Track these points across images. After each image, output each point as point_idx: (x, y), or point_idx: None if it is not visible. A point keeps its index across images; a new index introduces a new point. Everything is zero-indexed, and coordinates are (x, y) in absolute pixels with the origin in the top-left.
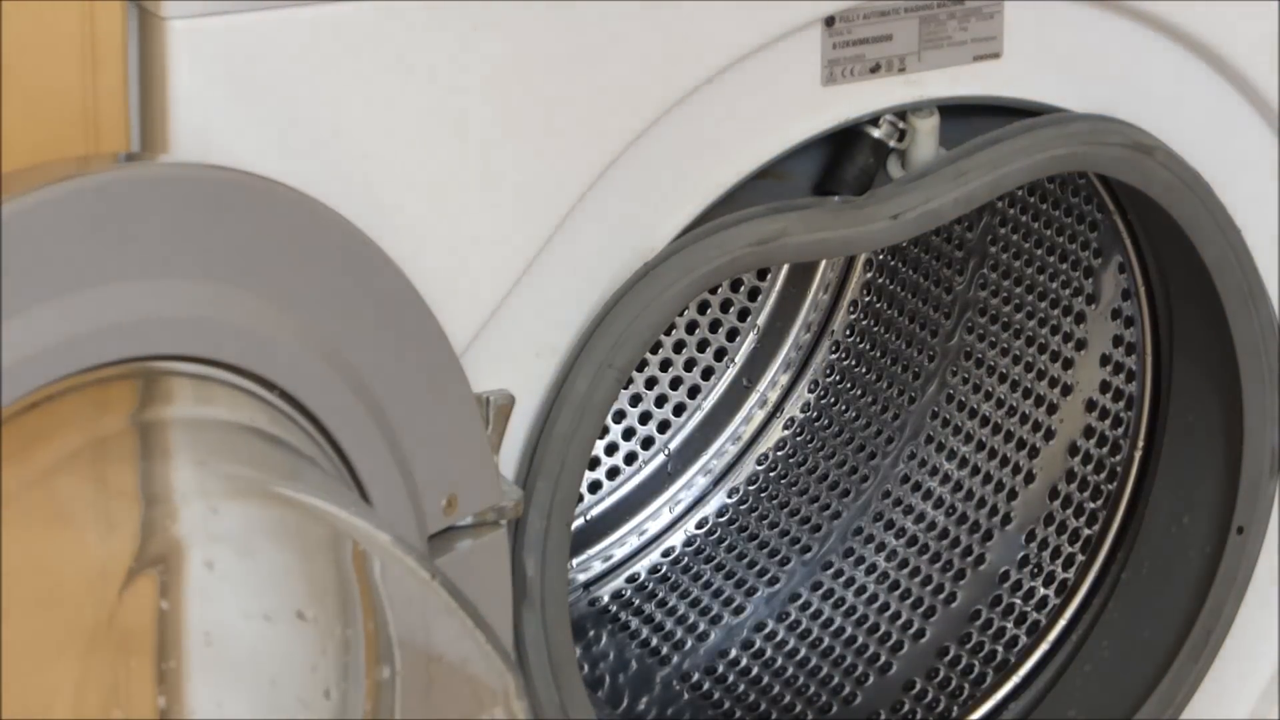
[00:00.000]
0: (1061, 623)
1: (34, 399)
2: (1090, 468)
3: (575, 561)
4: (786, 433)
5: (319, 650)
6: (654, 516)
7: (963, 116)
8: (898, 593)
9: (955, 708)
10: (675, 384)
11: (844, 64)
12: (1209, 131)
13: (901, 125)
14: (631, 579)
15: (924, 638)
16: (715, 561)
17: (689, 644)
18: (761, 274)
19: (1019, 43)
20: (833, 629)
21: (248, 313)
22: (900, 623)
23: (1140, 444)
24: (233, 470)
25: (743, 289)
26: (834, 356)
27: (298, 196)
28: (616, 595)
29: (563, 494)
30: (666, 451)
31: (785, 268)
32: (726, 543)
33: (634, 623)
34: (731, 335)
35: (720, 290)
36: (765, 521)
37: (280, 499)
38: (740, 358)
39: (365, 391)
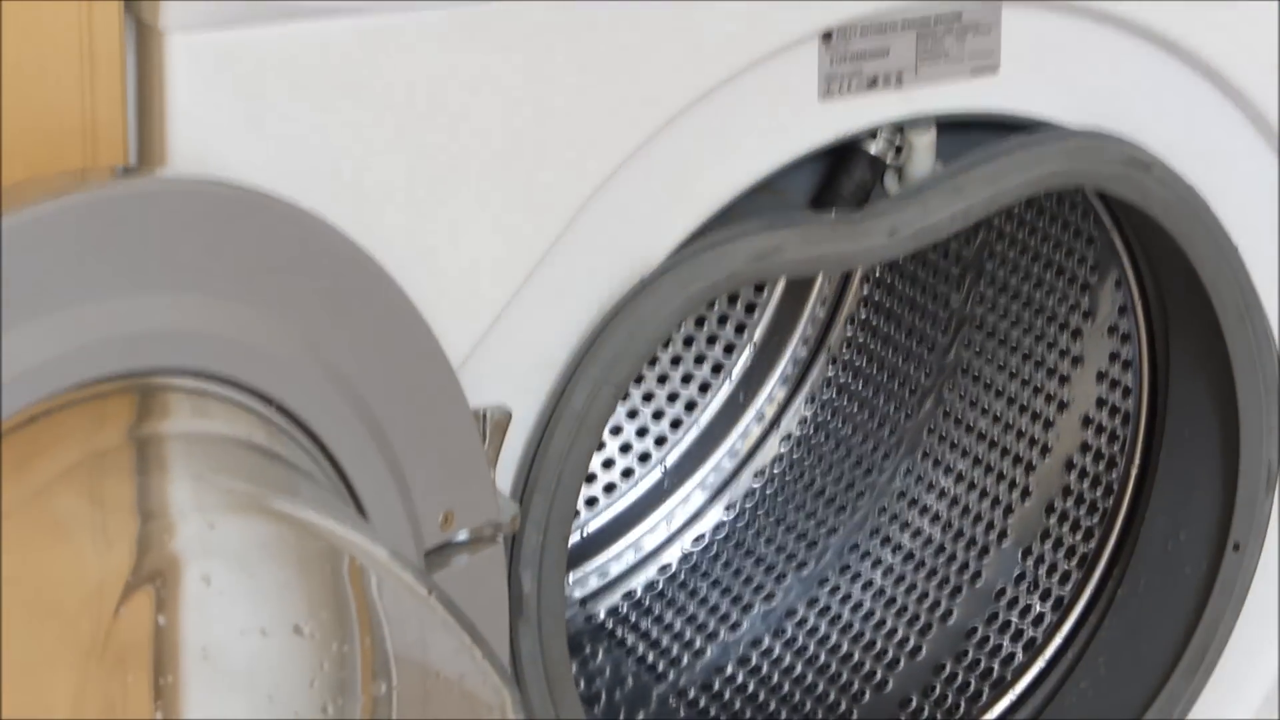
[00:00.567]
0: (1058, 639)
1: (31, 413)
2: (1086, 484)
3: (571, 577)
4: (783, 448)
5: (316, 665)
6: (650, 532)
7: (960, 131)
8: (894, 609)
9: None
10: (672, 398)
11: (841, 78)
12: (1206, 148)
13: (898, 140)
14: (628, 595)
15: (920, 654)
16: (712, 578)
17: (685, 660)
18: (759, 288)
19: (1016, 57)
20: (829, 646)
21: (245, 327)
22: (897, 639)
23: (1137, 460)
24: (230, 485)
25: (739, 303)
26: (831, 372)
27: (295, 211)
28: (613, 611)
29: (559, 509)
30: (663, 467)
31: (782, 282)
32: (723, 559)
33: (630, 639)
34: (728, 350)
35: (717, 305)
36: (762, 538)
37: (277, 514)
38: (737, 373)
39: (362, 406)
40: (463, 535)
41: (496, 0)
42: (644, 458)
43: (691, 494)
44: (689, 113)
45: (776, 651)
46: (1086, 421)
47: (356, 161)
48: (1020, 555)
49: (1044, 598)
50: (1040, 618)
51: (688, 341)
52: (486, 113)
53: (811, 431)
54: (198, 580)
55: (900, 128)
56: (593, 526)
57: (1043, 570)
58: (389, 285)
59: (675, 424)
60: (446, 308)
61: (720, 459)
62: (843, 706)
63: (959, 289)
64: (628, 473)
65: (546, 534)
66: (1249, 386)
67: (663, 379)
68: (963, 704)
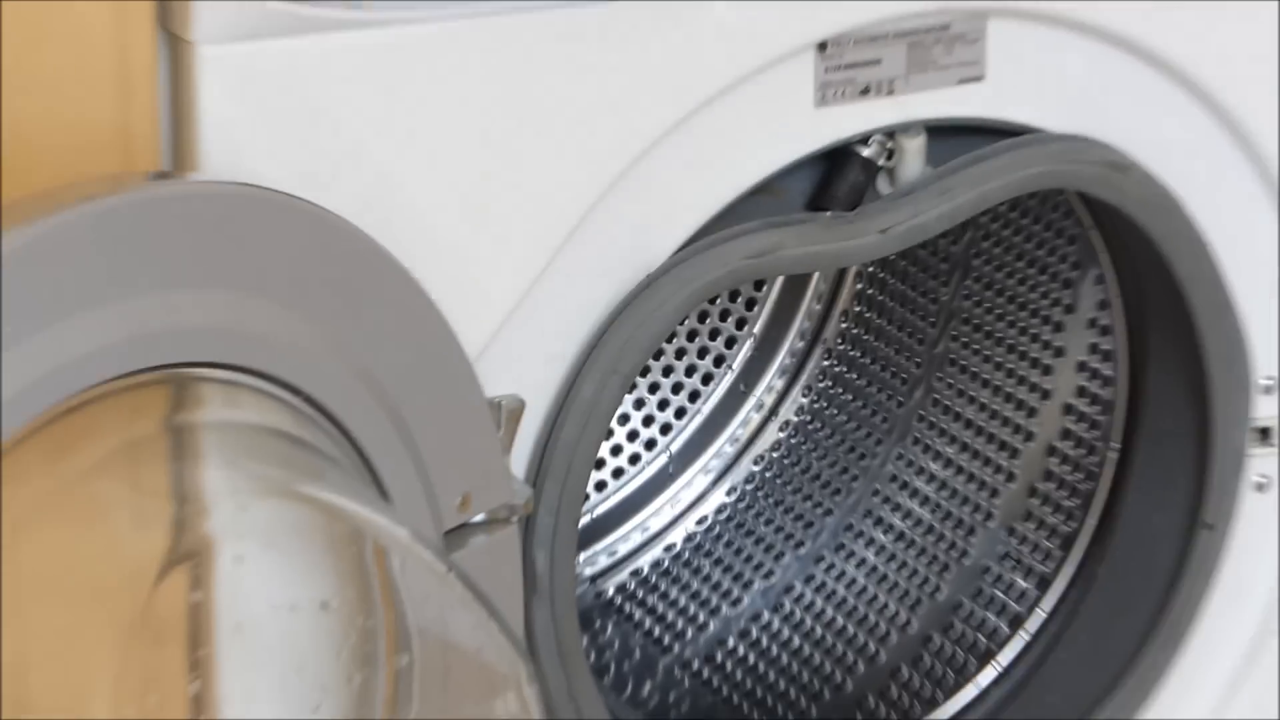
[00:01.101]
0: (1040, 614)
1: (72, 404)
2: (1068, 468)
3: (582, 556)
4: (782, 435)
5: (342, 639)
6: (656, 514)
7: (948, 136)
8: (886, 585)
9: (940, 694)
10: (676, 389)
11: (836, 86)
12: (1181, 151)
13: (890, 144)
14: (635, 572)
15: (910, 628)
16: (714, 556)
17: (689, 633)
18: (758, 285)
19: (1001, 66)
20: (824, 619)
21: (272, 322)
22: (888, 614)
23: (1115, 445)
24: (260, 470)
25: (740, 299)
26: (826, 363)
27: (321, 212)
28: (621, 588)
29: (570, 493)
30: (668, 452)
31: (780, 279)
32: (725, 539)
33: (637, 614)
34: (730, 343)
35: (719, 300)
36: (761, 519)
37: (305, 498)
38: (738, 364)
39: (384, 396)
40: (480, 517)
41: (512, 12)
42: (650, 444)
43: (695, 478)
44: (692, 118)
45: (775, 625)
46: (1068, 409)
47: (378, 166)
48: (1005, 534)
49: (1027, 575)
50: (1024, 594)
51: (691, 335)
52: (498, 120)
53: (808, 419)
54: (231, 560)
55: (892, 133)
56: (602, 509)
57: (1026, 549)
58: (408, 282)
59: (680, 413)
60: (463, 304)
61: (722, 445)
62: (838, 677)
63: (947, 284)
64: (635, 459)
65: (558, 516)
66: (1221, 377)
67: (668, 370)
68: (951, 674)
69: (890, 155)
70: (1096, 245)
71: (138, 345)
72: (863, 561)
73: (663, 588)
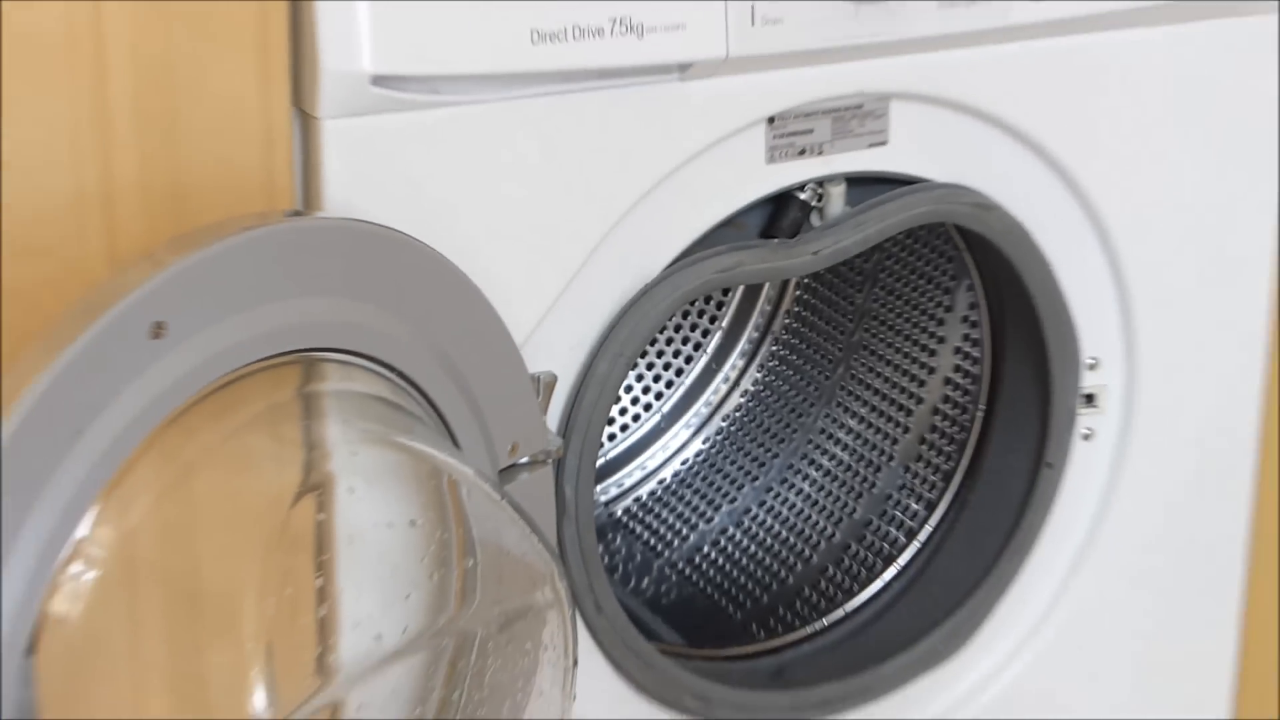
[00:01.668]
0: (928, 529)
1: (231, 377)
2: (947, 423)
3: (599, 487)
4: (741, 400)
5: (425, 547)
6: (652, 457)
7: (861, 184)
8: (816, 508)
9: (856, 586)
10: (666, 367)
11: (780, 149)
12: (1029, 196)
13: (820, 190)
14: (637, 499)
15: (834, 538)
16: (693, 488)
17: (675, 543)
18: (725, 291)
19: (899, 134)
20: (773, 533)
21: (375, 318)
22: (818, 528)
23: (982, 407)
24: (366, 426)
25: (712, 302)
26: (774, 348)
27: (409, 239)
28: (627, 510)
29: (589, 442)
30: (660, 413)
31: (741, 287)
32: (701, 475)
33: (638, 529)
34: (705, 334)
35: (697, 303)
36: (727, 460)
37: (399, 445)
38: (710, 349)
39: (455, 372)
40: (524, 459)
41: (544, 95)
42: (647, 407)
43: (679, 431)
44: (677, 171)
45: (737, 537)
46: (947, 381)
47: (450, 206)
48: (902, 471)
49: (918, 501)
50: (915, 514)
51: (677, 328)
52: (535, 173)
53: (761, 389)
54: (345, 490)
55: (821, 182)
56: (613, 453)
57: (917, 482)
58: (473, 290)
59: (669, 384)
60: (511, 306)
61: (699, 408)
62: (782, 574)
63: (860, 291)
64: (636, 418)
65: (581, 459)
66: (1057, 357)
67: (660, 354)
68: (863, 572)
69: (820, 198)
70: (968, 263)
71: (278, 335)
72: (800, 490)
73: (656, 510)
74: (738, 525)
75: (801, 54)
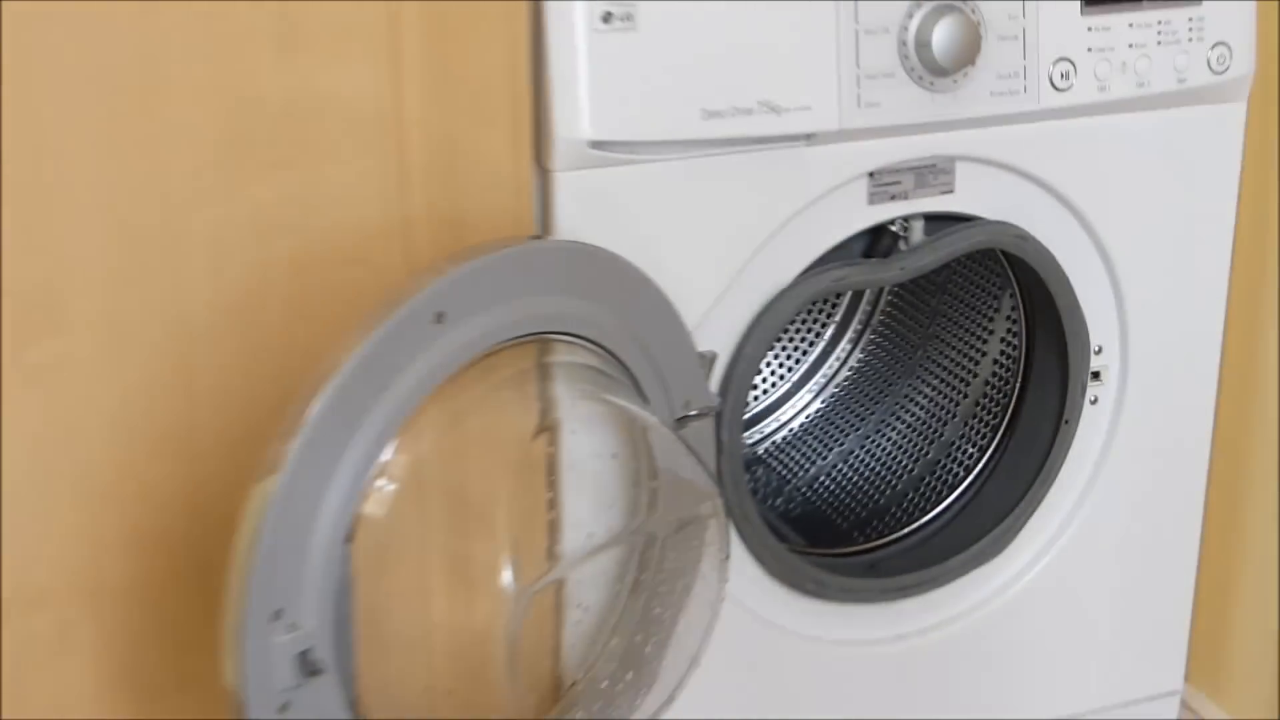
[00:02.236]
0: (979, 467)
1: (490, 351)
2: (994, 391)
3: (745, 434)
4: (848, 373)
5: (623, 472)
6: (784, 412)
7: (934, 220)
8: (900, 450)
9: (927, 506)
10: (795, 349)
11: (877, 194)
12: (1055, 231)
13: (905, 224)
14: (773, 442)
15: (913, 472)
16: (813, 434)
17: (800, 474)
18: (838, 295)
19: (963, 185)
20: (869, 467)
21: (590, 310)
22: (901, 464)
23: (1019, 380)
24: (584, 387)
25: (829, 303)
26: (872, 337)
27: (616, 256)
28: (766, 450)
29: (739, 400)
30: (790, 381)
31: (849, 293)
32: (819, 425)
33: (774, 463)
34: (824, 325)
35: (818, 303)
36: (838, 415)
37: (606, 401)
38: (827, 336)
39: (645, 349)
40: (693, 412)
41: (713, 156)
42: (781, 377)
43: (804, 395)
44: (806, 209)
45: (844, 470)
46: (995, 362)
47: (644, 232)
48: (961, 425)
49: (973, 446)
50: (970, 456)
51: (804, 321)
52: (702, 212)
53: (862, 365)
54: (569, 431)
55: (906, 218)
56: (756, 409)
57: (972, 433)
58: (658, 291)
59: (797, 361)
60: (687, 302)
61: (818, 378)
62: (875, 496)
63: (934, 297)
64: (773, 384)
65: (733, 413)
66: (1072, 345)
67: (791, 339)
68: (932, 496)
69: (905, 230)
70: (1010, 278)
71: (522, 323)
72: (889, 438)
73: (787, 450)
74: (844, 462)
75: (892, 127)
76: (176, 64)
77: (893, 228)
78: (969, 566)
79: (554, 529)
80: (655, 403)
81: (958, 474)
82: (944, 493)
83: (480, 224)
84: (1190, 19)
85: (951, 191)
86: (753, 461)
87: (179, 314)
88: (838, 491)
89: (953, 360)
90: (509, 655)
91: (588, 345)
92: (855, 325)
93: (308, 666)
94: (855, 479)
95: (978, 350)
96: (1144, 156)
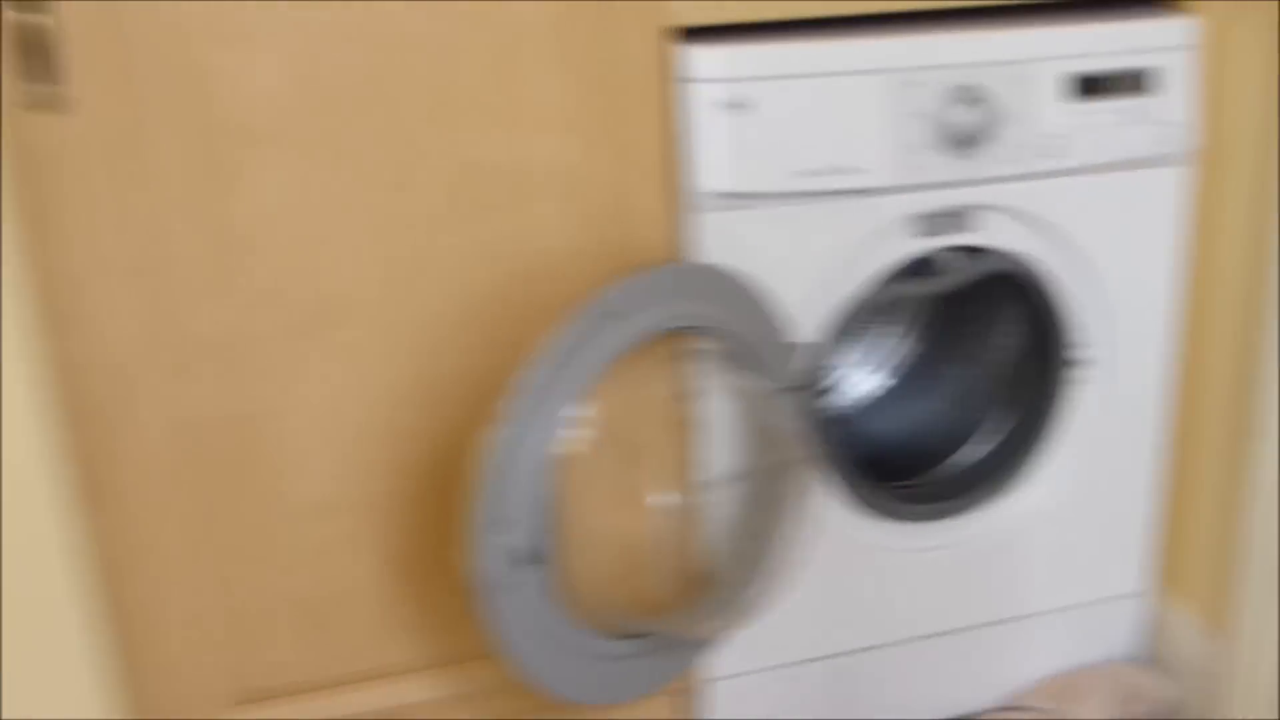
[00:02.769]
0: (995, 428)
1: (648, 339)
2: (1006, 372)
3: (827, 401)
4: (905, 359)
5: (742, 427)
6: (856, 386)
7: (965, 250)
8: (945, 414)
9: (959, 455)
10: (863, 340)
11: (922, 232)
12: (1055, 257)
13: (943, 254)
14: (850, 407)
15: (955, 429)
16: (880, 403)
17: (866, 435)
18: (894, 303)
19: (986, 225)
20: (923, 426)
21: (716, 309)
22: (946, 423)
23: (1023, 364)
24: (712, 366)
25: (888, 308)
26: (923, 332)
27: (739, 274)
28: (845, 413)
29: (820, 377)
30: (861, 365)
31: (903, 301)
32: (884, 397)
33: (850, 423)
34: (886, 324)
35: (881, 309)
36: (898, 389)
37: (728, 376)
38: (886, 331)
39: (757, 339)
40: (790, 385)
41: (808, 203)
42: (852, 361)
43: (871, 374)
44: (868, 242)
45: (904, 428)
46: (1006, 351)
47: (762, 259)
48: (983, 397)
49: (991, 412)
50: (990, 419)
51: (871, 322)
52: (798, 243)
53: (917, 353)
54: (702, 397)
55: (943, 249)
56: (835, 383)
57: (991, 402)
58: (767, 299)
59: (864, 349)
60: (787, 307)
61: (882, 361)
62: (922, 447)
63: (968, 305)
64: (849, 366)
65: (817, 386)
66: (1062, 340)
67: (860, 334)
68: (963, 447)
69: (941, 257)
70: (1023, 292)
71: (671, 319)
72: (937, 406)
73: (860, 415)
74: (899, 422)
75: (931, 184)
76: (422, 135)
77: (931, 257)
78: (991, 498)
79: (691, 465)
80: (762, 378)
81: (982, 434)
82: (970, 445)
83: (640, 251)
84: (1148, 107)
85: (974, 230)
86: (835, 421)
87: (428, 312)
88: (897, 444)
89: (983, 350)
90: (661, 556)
91: (715, 336)
92: (910, 325)
93: (521, 558)
94: (911, 434)
95: (993, 344)
96: (1113, 203)
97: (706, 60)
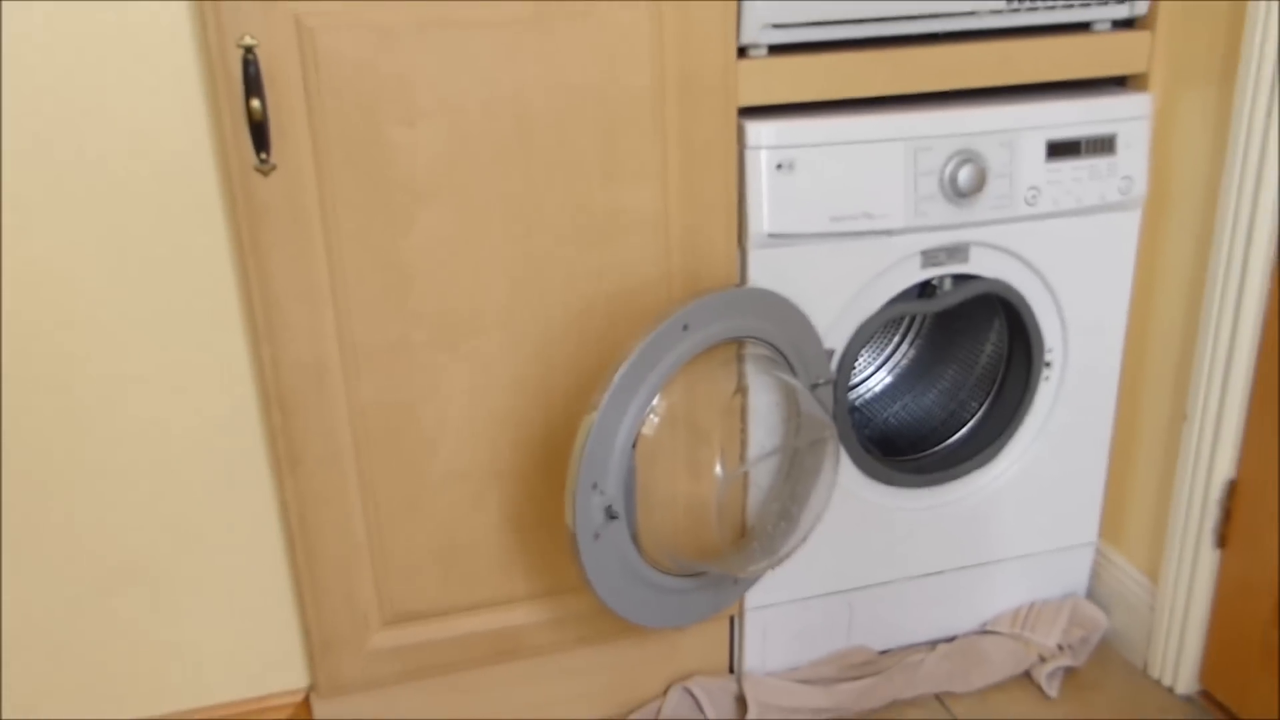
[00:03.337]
0: (981, 412)
1: (710, 347)
2: (989, 373)
3: (850, 394)
4: (905, 362)
5: (783, 414)
6: (873, 381)
7: (958, 279)
8: (937, 404)
9: (950, 436)
10: (879, 346)
11: (926, 263)
12: (1027, 285)
13: (941, 279)
14: (866, 398)
15: (945, 415)
16: (888, 394)
17: (881, 416)
18: (902, 317)
19: (975, 258)
20: (918, 414)
21: (765, 324)
22: (938, 411)
23: (1004, 366)
24: (760, 367)
25: (898, 321)
26: (921, 340)
27: (780, 295)
28: (863, 402)
29: (845, 375)
30: (874, 364)
31: (909, 315)
32: (889, 391)
33: (864, 412)
34: (893, 335)
35: (890, 323)
36: (901, 384)
37: (773, 374)
38: (896, 340)
39: (796, 346)
40: (821, 382)
41: (835, 242)
42: (871, 363)
43: (879, 372)
44: (885, 271)
45: (905, 414)
46: (991, 354)
47: (797, 285)
48: (971, 391)
49: (977, 403)
50: (975, 409)
51: (883, 333)
52: (827, 273)
53: (914, 357)
54: (753, 391)
55: (942, 277)
56: (856, 379)
57: (977, 396)
58: (803, 315)
59: (880, 353)
60: (819, 321)
61: (889, 363)
62: (921, 430)
63: (958, 319)
64: (867, 366)
65: (843, 382)
66: (1034, 345)
67: (876, 341)
68: (954, 429)
69: (940, 282)
70: (1000, 310)
71: (728, 331)
72: (931, 397)
73: (873, 404)
74: (905, 409)
75: (934, 226)
76: (546, 187)
77: (933, 282)
78: (973, 469)
79: (743, 444)
80: (800, 376)
81: (967, 419)
82: (959, 429)
83: (708, 277)
84: (1109, 163)
85: (967, 260)
86: (853, 409)
87: (542, 322)
88: (901, 426)
89: (968, 354)
90: (718, 513)
91: (763, 344)
92: (912, 335)
93: (609, 514)
94: (910, 420)
95: (980, 349)
96: (1077, 241)
97: (763, 132)
